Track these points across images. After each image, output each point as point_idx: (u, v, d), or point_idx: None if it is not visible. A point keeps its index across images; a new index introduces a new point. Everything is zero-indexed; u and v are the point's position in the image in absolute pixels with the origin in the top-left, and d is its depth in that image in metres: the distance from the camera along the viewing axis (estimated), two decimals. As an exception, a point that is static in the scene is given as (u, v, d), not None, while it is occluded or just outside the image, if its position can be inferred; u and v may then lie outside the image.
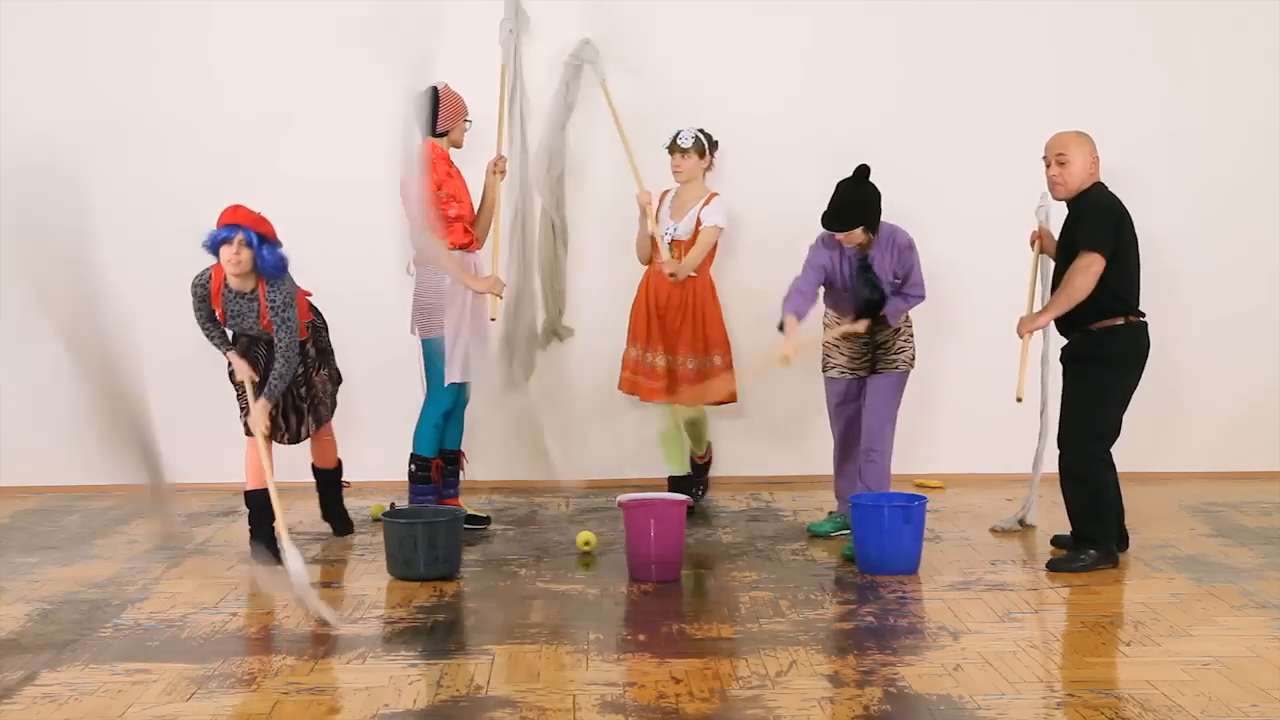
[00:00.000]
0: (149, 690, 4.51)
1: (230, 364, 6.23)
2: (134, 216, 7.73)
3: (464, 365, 6.53)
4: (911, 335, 6.46)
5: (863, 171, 6.20)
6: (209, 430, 7.55)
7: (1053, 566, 5.93)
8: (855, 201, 6.16)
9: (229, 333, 6.23)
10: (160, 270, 7.68)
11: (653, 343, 6.95)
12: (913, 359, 6.46)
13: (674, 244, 6.88)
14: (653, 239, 6.94)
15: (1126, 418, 7.87)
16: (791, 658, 4.78)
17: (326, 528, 6.81)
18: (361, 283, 7.37)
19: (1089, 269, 5.76)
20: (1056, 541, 6.28)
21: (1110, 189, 5.95)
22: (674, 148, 6.89)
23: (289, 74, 7.64)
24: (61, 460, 7.77)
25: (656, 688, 4.50)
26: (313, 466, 6.76)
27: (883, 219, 6.25)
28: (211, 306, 6.13)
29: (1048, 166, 5.94)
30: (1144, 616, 5.24)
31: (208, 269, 6.14)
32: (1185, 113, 7.89)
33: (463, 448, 6.87)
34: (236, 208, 5.98)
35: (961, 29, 7.81)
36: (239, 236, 5.90)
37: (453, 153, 6.64)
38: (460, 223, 6.55)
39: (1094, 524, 5.94)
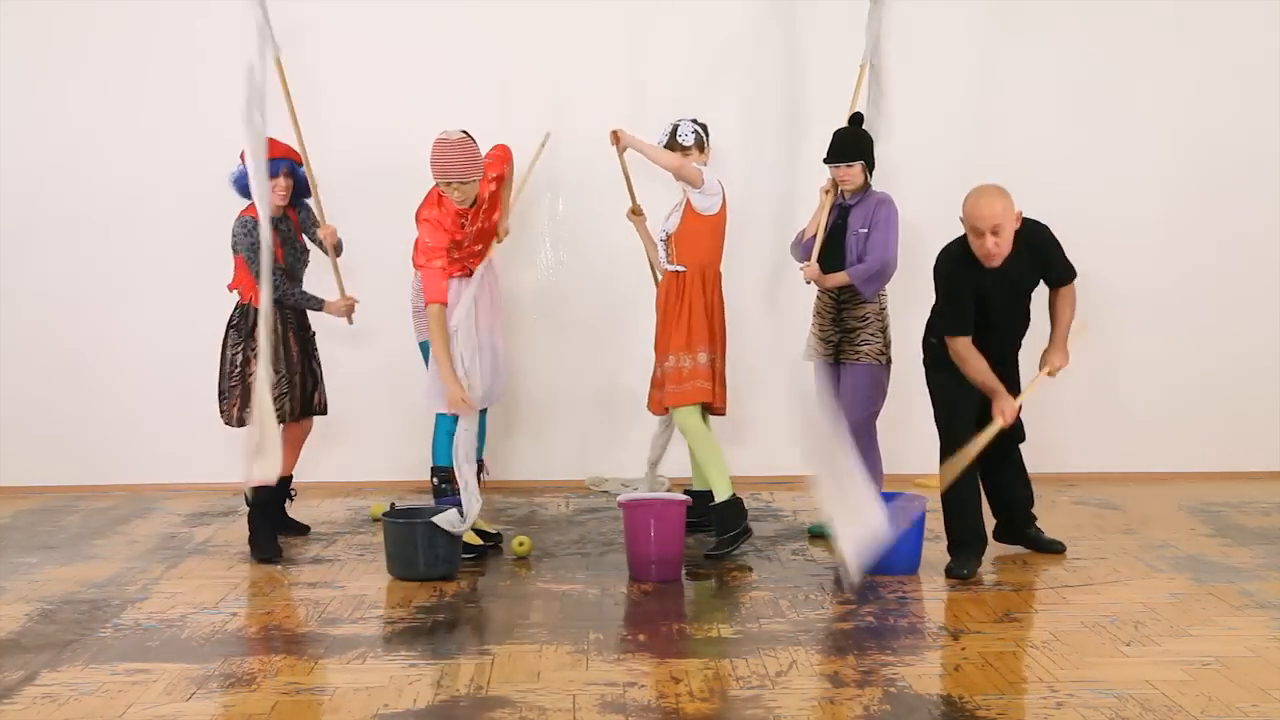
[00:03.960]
0: (149, 690, 4.51)
1: (320, 309, 6.41)
2: (134, 220, 7.74)
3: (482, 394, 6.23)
4: (883, 330, 6.40)
5: (857, 119, 6.48)
6: (208, 430, 7.56)
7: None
8: (855, 136, 6.40)
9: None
10: (160, 273, 7.72)
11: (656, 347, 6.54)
12: (882, 353, 6.37)
13: (668, 239, 6.42)
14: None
15: (1128, 418, 7.96)
16: (791, 658, 4.78)
17: (324, 529, 6.81)
18: (361, 284, 7.35)
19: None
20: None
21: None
22: (673, 145, 6.42)
23: (291, 70, 7.65)
24: (61, 460, 7.80)
25: (656, 688, 4.50)
26: None
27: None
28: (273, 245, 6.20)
29: (980, 237, 5.63)
30: (1144, 616, 5.24)
31: (247, 217, 6.21)
32: (1183, 114, 7.90)
33: (484, 456, 6.57)
34: (270, 142, 6.13)
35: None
36: (284, 168, 6.23)
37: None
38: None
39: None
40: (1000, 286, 5.77)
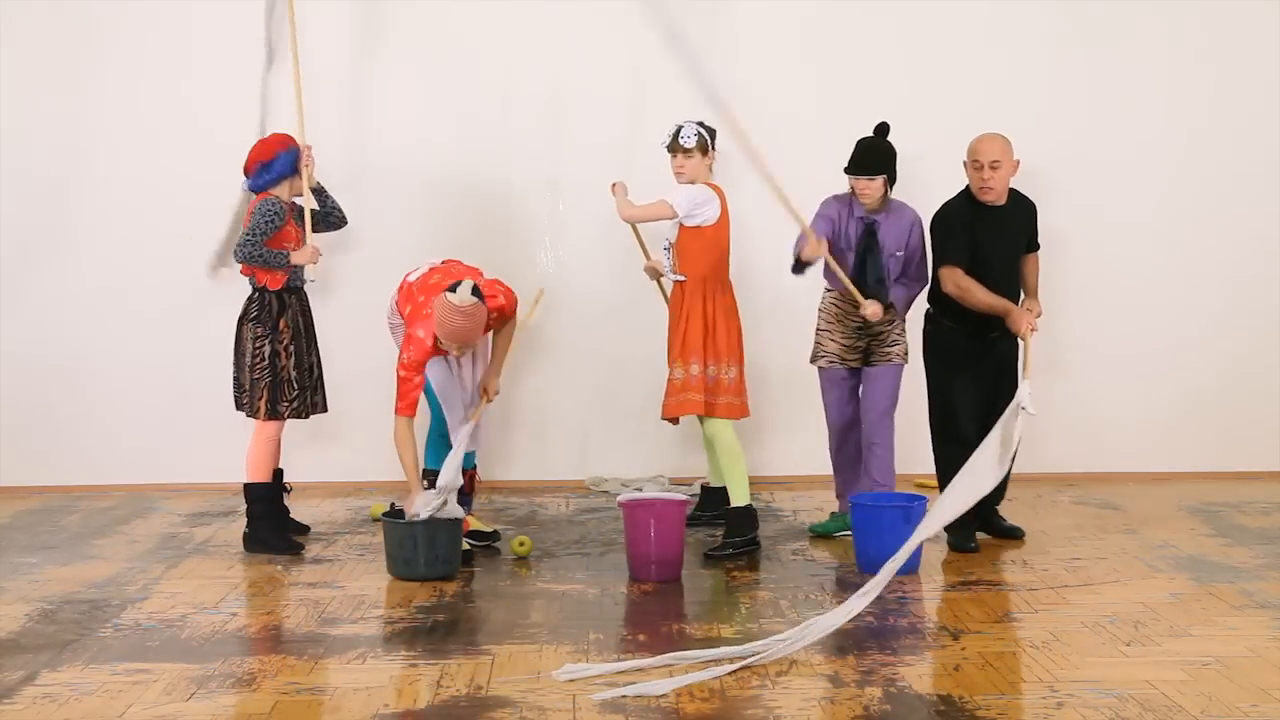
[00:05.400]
0: (149, 690, 4.51)
1: (291, 262, 6.30)
2: (132, 221, 7.73)
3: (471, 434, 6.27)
4: (904, 330, 6.46)
5: (883, 128, 6.39)
6: (209, 430, 7.56)
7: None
8: (879, 149, 6.35)
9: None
10: (160, 271, 7.71)
11: None
12: (906, 353, 6.44)
13: (670, 248, 6.35)
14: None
15: (1128, 418, 7.96)
16: (791, 658, 4.78)
17: (324, 528, 6.81)
18: (357, 281, 7.37)
19: None
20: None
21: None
22: (675, 147, 6.25)
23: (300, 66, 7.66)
24: (61, 460, 7.80)
25: (656, 688, 4.50)
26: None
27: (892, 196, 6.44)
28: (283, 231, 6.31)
29: (979, 170, 6.15)
30: (1144, 616, 5.24)
31: (274, 198, 6.27)
32: (1183, 110, 7.89)
33: (474, 465, 6.59)
34: (285, 136, 6.42)
35: (955, 27, 7.84)
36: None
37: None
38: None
39: None
40: (993, 238, 6.19)
